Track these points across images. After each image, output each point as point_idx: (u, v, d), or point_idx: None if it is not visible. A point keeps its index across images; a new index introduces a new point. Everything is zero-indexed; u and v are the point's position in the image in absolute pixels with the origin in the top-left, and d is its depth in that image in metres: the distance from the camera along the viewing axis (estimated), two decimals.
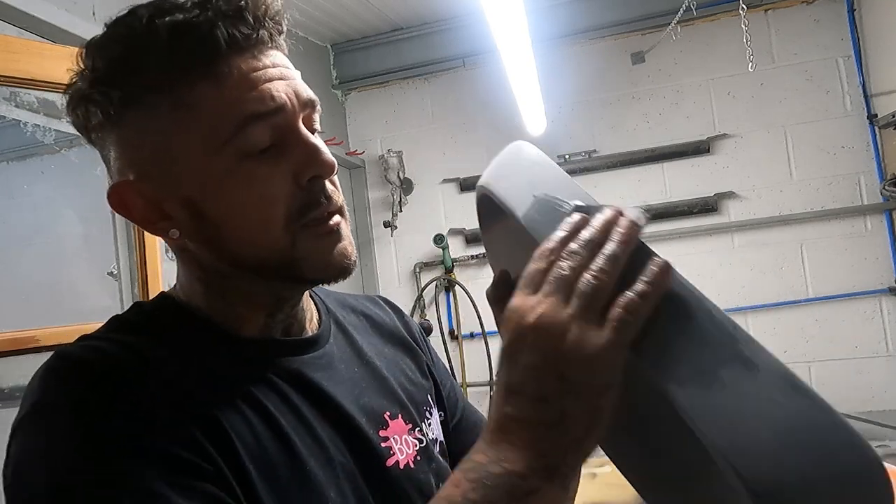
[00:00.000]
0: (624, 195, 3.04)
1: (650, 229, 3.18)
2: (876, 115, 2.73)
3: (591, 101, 3.08)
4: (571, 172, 3.03)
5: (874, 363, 2.75)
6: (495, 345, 3.14)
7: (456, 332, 3.17)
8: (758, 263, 2.89)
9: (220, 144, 0.52)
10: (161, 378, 0.52)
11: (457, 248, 3.17)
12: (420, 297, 3.18)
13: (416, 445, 0.66)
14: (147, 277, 1.26)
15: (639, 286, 0.43)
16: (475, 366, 3.13)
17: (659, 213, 2.97)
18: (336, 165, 0.56)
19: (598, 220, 0.46)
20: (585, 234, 0.45)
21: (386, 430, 0.64)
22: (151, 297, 1.27)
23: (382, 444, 0.63)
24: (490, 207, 0.54)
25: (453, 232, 3.15)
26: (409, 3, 2.89)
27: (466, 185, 3.15)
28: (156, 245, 1.29)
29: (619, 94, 3.05)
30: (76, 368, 0.51)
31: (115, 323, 0.59)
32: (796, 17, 2.85)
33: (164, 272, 1.30)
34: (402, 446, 0.64)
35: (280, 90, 0.54)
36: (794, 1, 2.84)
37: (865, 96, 2.76)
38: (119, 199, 0.56)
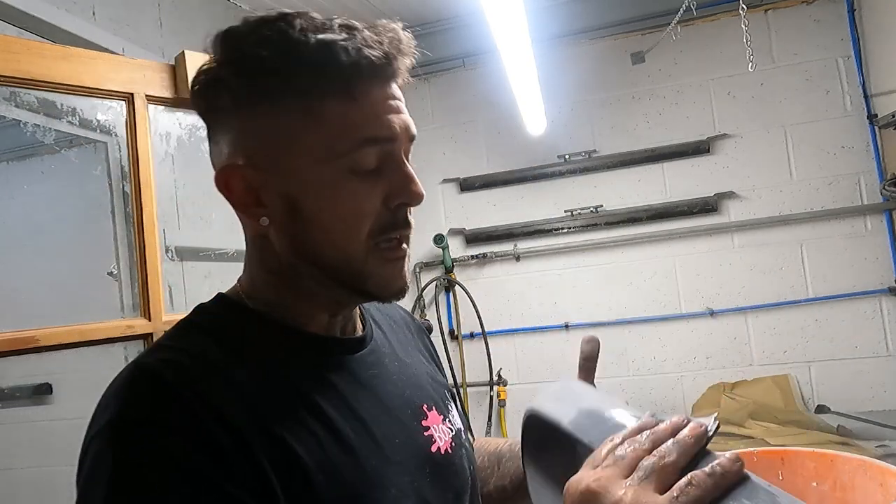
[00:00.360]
0: (624, 195, 3.04)
1: (650, 229, 3.21)
2: (876, 115, 2.73)
3: (591, 101, 3.07)
4: (571, 172, 3.06)
5: (874, 363, 2.75)
6: (495, 345, 3.15)
7: (456, 332, 3.17)
8: (758, 263, 2.89)
9: (334, 156, 0.57)
10: (229, 390, 0.56)
11: (457, 248, 3.17)
12: (420, 297, 3.18)
13: (449, 433, 0.73)
14: (147, 277, 1.26)
15: (709, 466, 0.46)
16: (475, 366, 3.14)
17: (659, 213, 2.97)
18: (424, 197, 0.62)
19: (667, 422, 0.50)
20: (656, 429, 0.50)
21: (426, 420, 0.70)
22: (152, 296, 1.27)
23: (425, 434, 0.69)
24: (537, 429, 0.60)
25: (453, 232, 3.15)
26: (409, 3, 2.88)
27: (466, 185, 3.15)
28: (156, 245, 1.28)
29: (619, 94, 3.05)
30: (152, 385, 0.55)
31: (184, 327, 0.63)
32: (796, 17, 2.85)
33: (163, 272, 1.30)
34: (440, 434, 0.71)
35: (396, 123, 0.59)
36: (794, 1, 2.84)
37: (865, 96, 2.75)
38: (224, 180, 0.60)
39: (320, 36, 0.56)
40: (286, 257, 0.62)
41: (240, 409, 0.54)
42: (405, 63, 0.60)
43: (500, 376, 3.11)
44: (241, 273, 0.68)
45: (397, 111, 0.60)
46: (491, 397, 3.10)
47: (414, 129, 0.62)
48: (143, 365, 0.57)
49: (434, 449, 0.69)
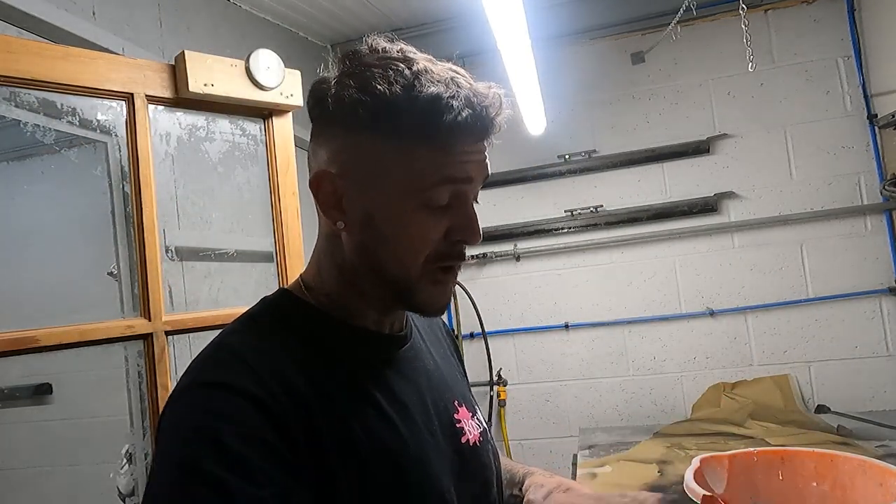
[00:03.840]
0: (624, 195, 3.04)
1: (650, 229, 3.20)
2: (876, 115, 2.73)
3: (591, 101, 3.08)
4: (571, 172, 3.06)
5: (874, 363, 2.75)
6: (495, 345, 3.15)
7: (456, 332, 3.17)
8: (758, 263, 2.89)
9: (413, 190, 0.64)
10: (299, 372, 0.62)
11: None
12: None
13: (478, 428, 0.79)
14: (147, 277, 1.26)
15: None
16: (475, 366, 3.14)
17: (659, 213, 2.97)
18: (481, 238, 0.69)
19: None
20: None
21: (457, 413, 0.77)
22: (152, 296, 1.27)
23: (457, 426, 0.76)
24: None
25: None
26: (409, 3, 2.88)
27: None
28: (156, 245, 1.28)
29: (619, 94, 3.05)
30: (230, 358, 0.62)
31: (252, 318, 0.70)
32: (796, 17, 2.85)
33: (163, 272, 1.30)
34: (469, 428, 0.77)
35: (474, 168, 0.67)
36: (794, 1, 2.84)
37: (865, 96, 2.76)
38: (317, 181, 0.68)
39: (432, 89, 0.63)
40: (352, 259, 0.69)
41: (308, 387, 0.62)
42: (497, 125, 0.67)
43: (500, 376, 3.11)
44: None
45: (479, 159, 0.67)
46: (491, 397, 3.10)
47: (487, 171, 0.69)
48: (223, 342, 0.65)
49: (464, 440, 0.75)
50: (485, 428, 0.82)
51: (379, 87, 0.63)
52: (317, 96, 0.69)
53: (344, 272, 0.70)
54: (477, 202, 0.71)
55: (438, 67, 0.66)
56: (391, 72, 0.64)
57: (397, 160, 0.64)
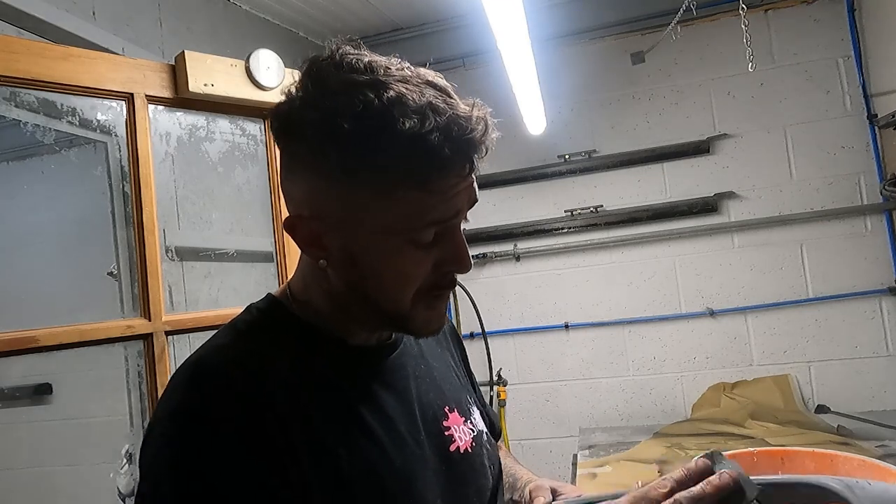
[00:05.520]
0: (624, 195, 3.04)
1: (650, 229, 3.19)
2: (876, 115, 2.73)
3: (591, 101, 3.07)
4: (571, 172, 3.06)
5: (874, 363, 2.75)
6: (495, 345, 3.15)
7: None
8: (758, 263, 2.89)
9: (398, 231, 0.61)
10: (281, 390, 0.60)
11: None
12: None
13: (470, 434, 0.77)
14: (147, 277, 1.26)
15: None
16: (475, 366, 3.12)
17: (659, 213, 2.97)
18: (472, 267, 0.68)
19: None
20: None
21: (447, 420, 0.75)
22: (152, 296, 1.27)
23: (445, 434, 0.74)
24: None
25: None
26: (409, 3, 2.88)
27: None
28: (156, 245, 1.28)
29: (619, 94, 3.05)
30: (212, 380, 0.60)
31: (238, 327, 0.68)
32: (796, 17, 2.85)
33: (163, 272, 1.30)
34: (461, 434, 0.75)
35: (461, 202, 0.63)
36: (794, 1, 2.84)
37: (865, 96, 2.75)
38: (290, 224, 0.64)
39: (407, 125, 0.55)
40: (340, 289, 0.67)
41: (290, 408, 0.60)
42: (483, 150, 0.61)
43: (500, 376, 3.11)
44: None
45: (465, 188, 0.62)
46: (491, 397, 3.10)
47: (476, 196, 0.65)
48: (205, 360, 0.63)
49: (453, 448, 0.73)
50: (480, 432, 0.79)
51: (346, 125, 0.55)
52: (279, 127, 0.63)
53: (333, 297, 0.68)
54: (466, 220, 0.67)
55: (413, 89, 0.57)
56: (358, 103, 0.56)
57: (375, 205, 0.59)
